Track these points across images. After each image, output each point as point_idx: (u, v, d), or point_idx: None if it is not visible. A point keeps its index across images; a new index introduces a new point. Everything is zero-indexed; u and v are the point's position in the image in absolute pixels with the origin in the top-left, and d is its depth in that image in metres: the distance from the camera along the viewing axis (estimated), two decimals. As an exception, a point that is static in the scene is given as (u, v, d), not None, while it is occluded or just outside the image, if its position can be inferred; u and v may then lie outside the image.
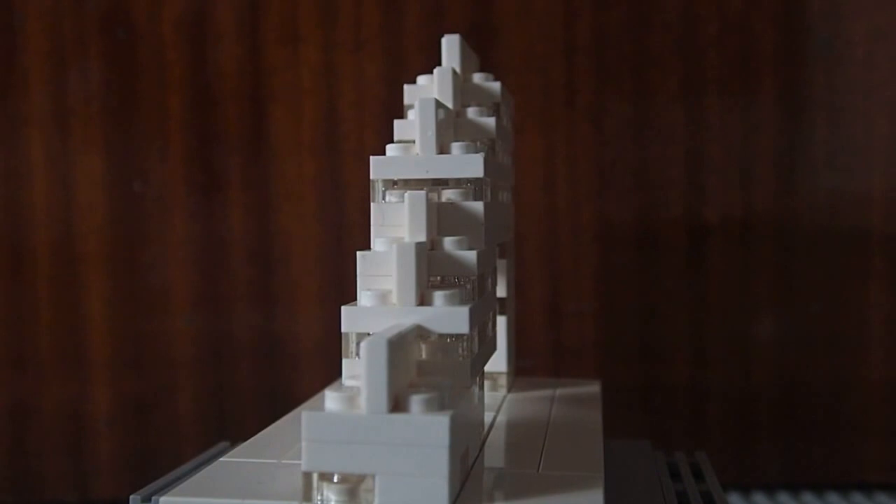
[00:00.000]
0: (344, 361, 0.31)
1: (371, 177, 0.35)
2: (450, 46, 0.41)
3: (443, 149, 0.35)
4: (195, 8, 0.61)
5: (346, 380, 0.30)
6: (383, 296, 0.31)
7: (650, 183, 0.62)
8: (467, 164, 0.34)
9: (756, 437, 0.63)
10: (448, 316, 0.31)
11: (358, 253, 0.33)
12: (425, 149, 0.35)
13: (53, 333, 0.61)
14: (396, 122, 0.38)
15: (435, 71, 0.39)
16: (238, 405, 0.62)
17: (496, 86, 0.41)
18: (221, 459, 0.34)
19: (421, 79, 0.41)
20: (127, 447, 0.61)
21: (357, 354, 0.31)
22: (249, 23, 0.61)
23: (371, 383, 0.27)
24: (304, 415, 0.27)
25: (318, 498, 0.28)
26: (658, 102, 0.62)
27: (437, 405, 0.28)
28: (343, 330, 0.31)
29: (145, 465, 0.61)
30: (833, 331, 0.62)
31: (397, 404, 0.28)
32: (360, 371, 0.28)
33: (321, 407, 0.28)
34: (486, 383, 0.43)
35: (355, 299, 0.33)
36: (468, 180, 0.35)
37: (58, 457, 0.61)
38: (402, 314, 0.31)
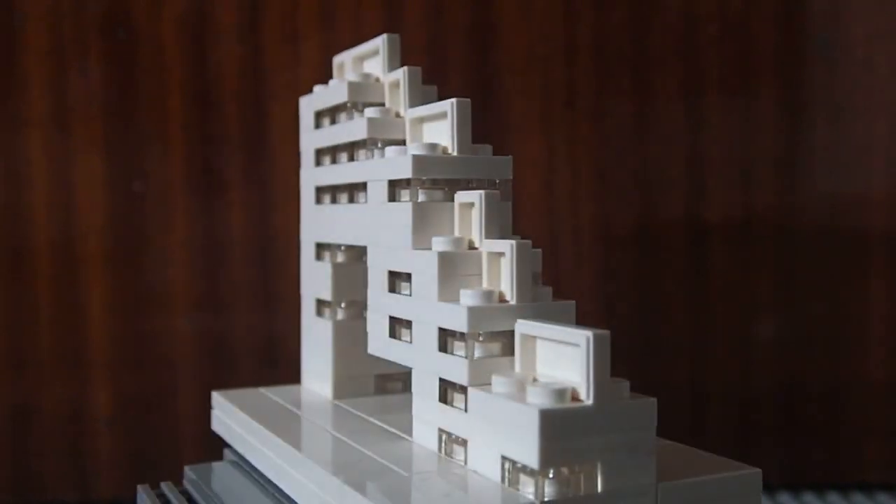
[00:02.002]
0: (468, 361, 0.31)
1: (411, 175, 0.34)
2: (392, 45, 0.41)
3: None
4: (195, 8, 0.61)
5: (495, 376, 0.30)
6: (487, 295, 0.31)
7: (650, 183, 0.62)
8: (498, 165, 0.35)
9: (756, 438, 0.63)
10: (560, 310, 0.32)
11: (438, 253, 0.32)
12: (462, 149, 0.35)
13: (53, 333, 0.61)
14: (369, 118, 0.38)
15: (403, 70, 0.39)
16: (238, 405, 0.61)
17: (434, 88, 0.41)
18: (339, 482, 0.31)
19: (363, 77, 0.42)
20: (127, 447, 0.61)
21: (474, 354, 0.31)
22: (249, 22, 0.61)
23: (597, 376, 0.28)
24: (540, 414, 0.27)
25: (535, 492, 0.28)
26: (658, 102, 0.62)
27: (628, 391, 0.29)
28: (468, 330, 0.31)
29: (145, 465, 0.61)
30: (833, 331, 0.62)
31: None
32: (576, 365, 0.29)
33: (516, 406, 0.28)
34: None
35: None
36: (488, 181, 0.35)
37: (58, 457, 0.61)
38: (521, 311, 0.31)
